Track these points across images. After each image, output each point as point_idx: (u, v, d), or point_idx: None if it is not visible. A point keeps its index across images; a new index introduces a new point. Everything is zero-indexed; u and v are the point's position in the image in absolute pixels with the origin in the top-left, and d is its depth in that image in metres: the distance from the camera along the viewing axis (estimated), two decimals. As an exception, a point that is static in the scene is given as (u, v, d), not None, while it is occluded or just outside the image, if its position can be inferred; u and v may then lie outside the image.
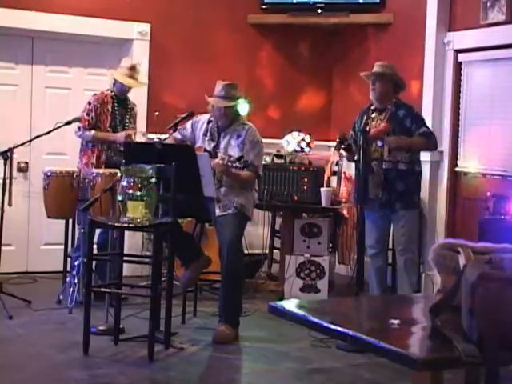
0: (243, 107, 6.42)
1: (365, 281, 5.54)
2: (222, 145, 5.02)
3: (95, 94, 5.83)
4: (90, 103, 5.78)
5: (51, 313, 5.35)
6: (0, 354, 4.54)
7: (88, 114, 5.73)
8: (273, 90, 7.37)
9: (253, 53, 7.28)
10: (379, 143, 5.11)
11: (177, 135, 5.14)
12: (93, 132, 5.71)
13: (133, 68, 5.81)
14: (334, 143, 6.67)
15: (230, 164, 4.86)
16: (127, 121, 5.87)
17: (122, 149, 5.62)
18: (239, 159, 4.89)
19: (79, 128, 5.73)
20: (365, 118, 5.23)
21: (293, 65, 7.46)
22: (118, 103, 5.83)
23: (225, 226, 4.89)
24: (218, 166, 4.81)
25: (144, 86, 6.20)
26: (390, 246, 5.70)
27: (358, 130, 5.21)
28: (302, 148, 6.65)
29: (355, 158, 5.15)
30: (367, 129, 5.12)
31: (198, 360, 4.57)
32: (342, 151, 5.43)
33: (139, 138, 5.76)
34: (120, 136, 5.69)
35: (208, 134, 5.09)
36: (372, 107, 5.25)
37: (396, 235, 5.32)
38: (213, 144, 5.06)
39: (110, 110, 5.78)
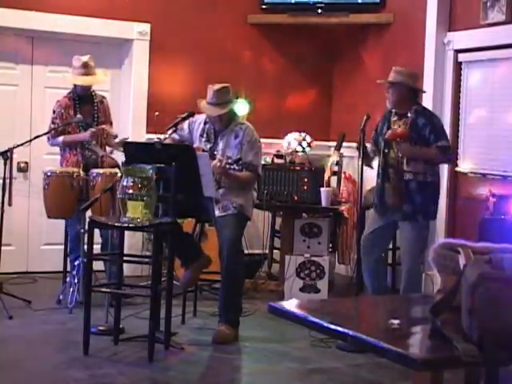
0: (241, 107, 6.44)
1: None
2: (220, 146, 5.00)
3: (58, 101, 5.78)
4: (54, 111, 5.75)
5: (51, 313, 5.34)
6: (0, 353, 4.53)
7: (53, 123, 5.71)
8: (273, 89, 7.36)
9: (253, 53, 7.28)
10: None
11: (175, 136, 5.12)
12: (61, 138, 5.69)
13: (86, 65, 5.71)
14: (334, 143, 6.72)
15: (228, 166, 4.85)
16: (96, 116, 5.82)
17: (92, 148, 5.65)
18: (237, 161, 4.88)
19: (48, 138, 5.71)
20: (386, 122, 5.07)
21: (293, 65, 7.45)
22: (81, 103, 5.77)
23: (224, 226, 4.89)
24: (216, 168, 4.80)
25: (103, 79, 6.10)
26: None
27: (379, 133, 5.07)
28: (301, 148, 6.66)
29: (372, 162, 5.07)
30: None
31: (198, 360, 4.57)
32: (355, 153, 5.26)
33: (112, 140, 5.69)
34: (86, 135, 5.65)
35: (204, 135, 5.08)
36: (393, 110, 5.07)
37: (405, 245, 5.09)
38: (209, 145, 5.04)
39: (73, 113, 5.73)
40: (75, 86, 5.78)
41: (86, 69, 5.71)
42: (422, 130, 4.94)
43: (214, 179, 4.88)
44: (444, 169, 6.14)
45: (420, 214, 4.98)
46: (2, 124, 6.53)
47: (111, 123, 5.95)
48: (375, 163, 5.16)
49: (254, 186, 5.16)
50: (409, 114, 4.98)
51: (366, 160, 5.08)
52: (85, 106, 5.79)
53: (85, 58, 5.74)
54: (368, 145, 5.13)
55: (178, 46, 6.97)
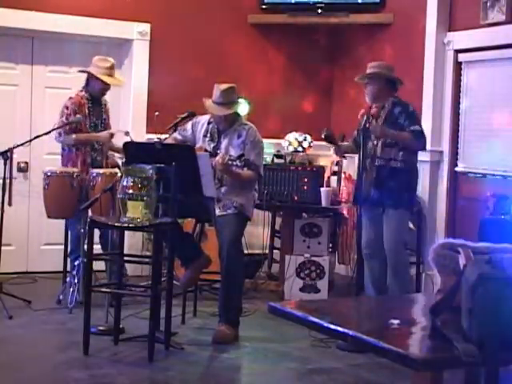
0: (242, 107, 6.44)
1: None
2: (223, 145, 5.01)
3: (71, 98, 5.76)
4: (67, 107, 5.69)
5: (51, 313, 5.34)
6: (0, 353, 4.53)
7: (67, 119, 5.68)
8: (273, 89, 7.36)
9: (253, 53, 7.28)
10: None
11: (177, 136, 5.13)
12: (74, 135, 5.66)
13: (112, 67, 5.76)
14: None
15: (230, 162, 4.86)
16: (104, 118, 5.85)
17: (103, 148, 5.72)
18: (239, 157, 4.89)
19: (60, 134, 5.65)
20: (365, 116, 5.18)
21: (293, 65, 7.45)
22: (93, 103, 5.78)
23: (225, 226, 4.89)
24: (218, 164, 4.80)
25: (123, 82, 6.17)
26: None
27: (359, 130, 5.17)
28: (301, 148, 6.66)
29: (343, 153, 5.22)
30: (367, 126, 5.11)
31: (198, 360, 4.57)
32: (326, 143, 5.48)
33: (123, 137, 5.70)
34: (103, 135, 5.67)
35: (208, 135, 5.08)
36: (373, 105, 5.17)
37: (385, 235, 5.18)
38: (213, 145, 5.05)
39: (87, 111, 5.73)
40: (87, 85, 5.77)
41: (113, 70, 5.78)
42: (398, 118, 5.08)
43: (216, 177, 4.89)
44: (444, 169, 6.15)
45: (391, 201, 5.07)
46: (2, 124, 6.52)
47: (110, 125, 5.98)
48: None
49: (254, 185, 5.17)
50: (386, 105, 5.08)
51: (340, 151, 5.37)
52: (97, 107, 5.81)
53: (111, 59, 5.80)
54: (346, 143, 5.35)
55: (178, 46, 6.97)
